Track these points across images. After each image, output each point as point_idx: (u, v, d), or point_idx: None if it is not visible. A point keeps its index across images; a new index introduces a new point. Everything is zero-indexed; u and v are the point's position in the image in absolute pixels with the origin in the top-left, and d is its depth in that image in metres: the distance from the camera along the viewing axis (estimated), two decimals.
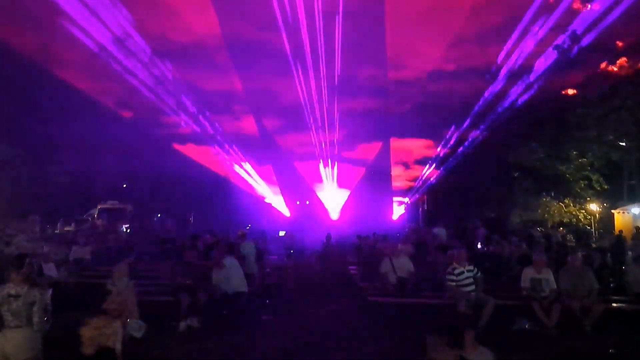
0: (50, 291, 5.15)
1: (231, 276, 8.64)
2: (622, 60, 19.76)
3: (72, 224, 22.07)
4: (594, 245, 16.37)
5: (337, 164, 33.10)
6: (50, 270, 9.95)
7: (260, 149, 32.23)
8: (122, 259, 8.97)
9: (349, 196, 33.28)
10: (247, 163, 31.92)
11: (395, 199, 32.55)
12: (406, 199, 32.46)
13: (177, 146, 28.48)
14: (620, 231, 17.94)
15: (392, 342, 7.56)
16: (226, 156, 31.17)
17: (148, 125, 27.51)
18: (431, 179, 30.31)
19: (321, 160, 33.07)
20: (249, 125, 32.27)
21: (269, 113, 32.21)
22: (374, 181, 33.58)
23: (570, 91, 21.36)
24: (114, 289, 6.72)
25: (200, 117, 30.40)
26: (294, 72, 28.66)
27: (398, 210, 32.65)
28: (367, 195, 32.01)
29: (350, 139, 33.67)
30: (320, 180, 33.66)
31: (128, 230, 21.16)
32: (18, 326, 4.66)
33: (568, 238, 19.95)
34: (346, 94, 29.89)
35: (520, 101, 23.34)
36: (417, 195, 32.23)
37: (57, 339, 6.28)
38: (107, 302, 6.41)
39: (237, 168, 31.88)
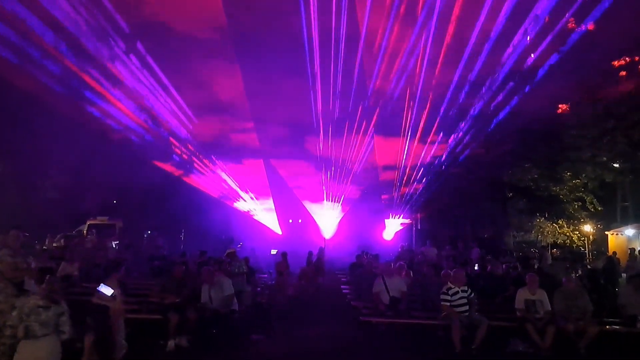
0: None
1: (223, 294, 8.50)
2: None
3: (61, 240, 21.74)
4: (589, 267, 16.32)
5: (331, 184, 33.08)
6: (31, 286, 9.70)
7: (255, 167, 32.12)
8: (110, 275, 8.77)
9: (342, 216, 33.19)
10: (237, 184, 31.85)
11: (388, 219, 32.39)
12: (399, 219, 32.33)
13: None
14: (614, 252, 17.88)
15: None
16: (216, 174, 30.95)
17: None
18: (423, 199, 30.22)
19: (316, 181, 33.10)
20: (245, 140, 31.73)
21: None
22: (368, 201, 33.53)
23: (562, 106, 21.37)
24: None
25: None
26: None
27: (391, 230, 32.48)
28: (360, 215, 31.91)
29: (343, 159, 33.73)
30: (313, 199, 33.61)
31: (117, 247, 20.88)
32: (46, 335, 4.88)
33: None
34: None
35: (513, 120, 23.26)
36: (410, 215, 32.11)
37: None
38: None
39: (228, 185, 31.77)
